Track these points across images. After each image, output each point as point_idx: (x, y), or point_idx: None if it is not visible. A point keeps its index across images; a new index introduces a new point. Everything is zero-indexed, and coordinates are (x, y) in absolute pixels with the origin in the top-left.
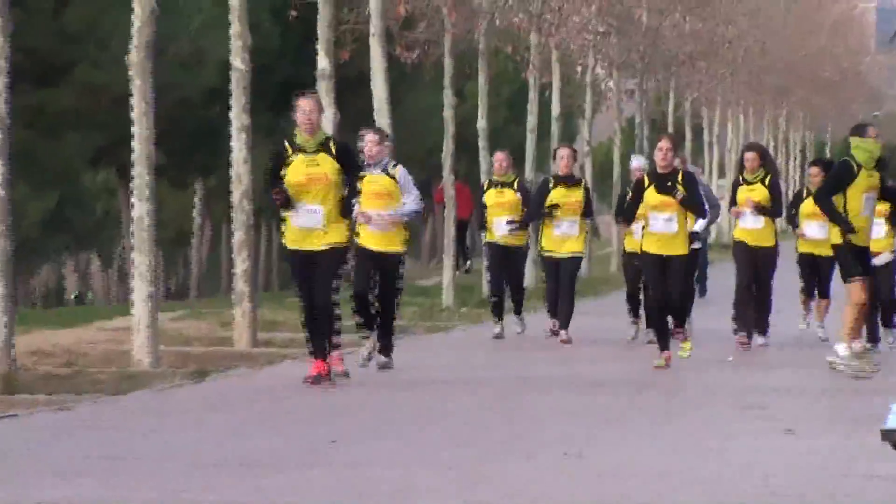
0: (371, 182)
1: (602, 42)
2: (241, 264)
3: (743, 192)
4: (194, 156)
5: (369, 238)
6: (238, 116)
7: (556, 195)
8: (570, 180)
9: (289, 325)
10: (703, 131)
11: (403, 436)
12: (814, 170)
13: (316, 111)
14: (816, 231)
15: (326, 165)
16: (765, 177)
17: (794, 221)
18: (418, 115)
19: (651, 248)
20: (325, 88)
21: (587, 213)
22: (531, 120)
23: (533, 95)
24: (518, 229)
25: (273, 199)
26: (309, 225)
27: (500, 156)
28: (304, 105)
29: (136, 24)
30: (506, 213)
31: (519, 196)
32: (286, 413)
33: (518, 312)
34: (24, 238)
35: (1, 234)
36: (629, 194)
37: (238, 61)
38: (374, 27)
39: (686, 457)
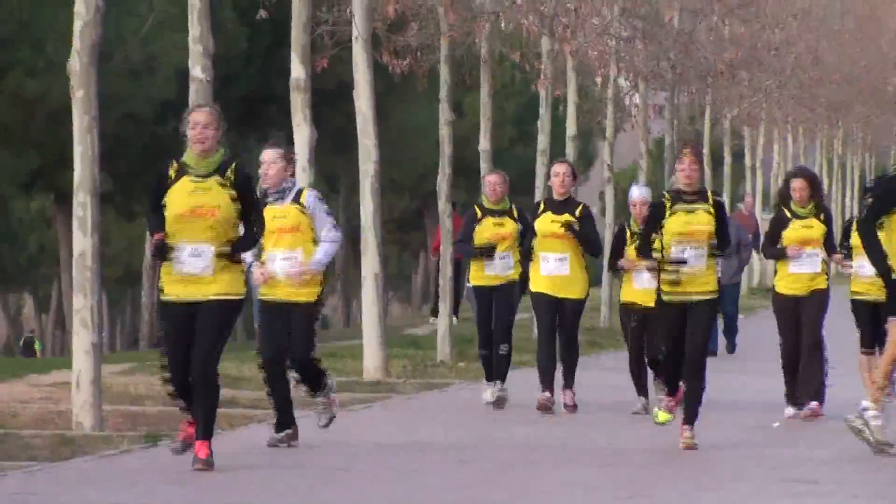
0: (273, 215)
1: (626, 49)
2: None
3: (795, 230)
4: (145, 180)
5: (271, 285)
6: None
7: (541, 223)
8: (562, 205)
9: (254, 383)
10: (745, 154)
11: None
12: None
13: (213, 125)
14: (868, 269)
15: (219, 195)
16: (818, 210)
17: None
18: (409, 132)
19: (675, 287)
20: (299, 101)
21: (588, 244)
22: (542, 140)
23: (544, 111)
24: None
25: (152, 244)
26: (194, 270)
27: (494, 178)
28: (197, 116)
29: (78, 24)
30: (503, 249)
31: (520, 226)
32: (252, 485)
33: (501, 374)
34: None
35: None
36: (630, 233)
37: (198, 69)
38: (358, 30)
39: None
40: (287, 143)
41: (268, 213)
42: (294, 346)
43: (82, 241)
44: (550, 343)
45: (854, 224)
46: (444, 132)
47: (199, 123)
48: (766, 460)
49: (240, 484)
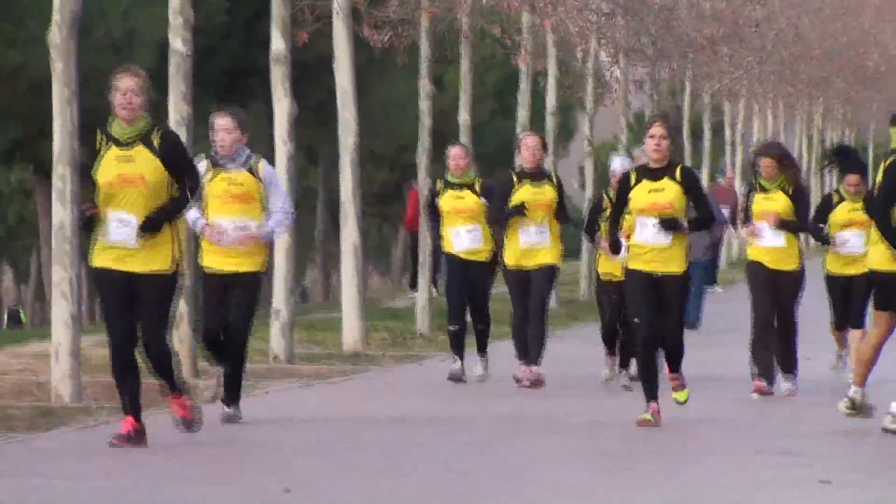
0: (227, 181)
1: (607, 23)
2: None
3: (759, 203)
4: None
5: (215, 256)
6: (177, 107)
7: (523, 194)
8: (538, 175)
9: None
10: (725, 129)
11: (370, 485)
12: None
13: (138, 92)
14: (853, 244)
15: (144, 163)
16: (786, 184)
17: (820, 235)
18: (389, 106)
19: (638, 264)
20: (280, 75)
21: (561, 215)
22: (522, 114)
23: (525, 85)
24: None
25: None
26: (120, 239)
27: (456, 151)
28: (123, 83)
29: None
30: (466, 222)
31: (483, 201)
32: (233, 456)
33: (481, 349)
34: None
35: None
36: (608, 202)
37: (178, 42)
38: (339, 4)
39: None
40: (237, 107)
41: (220, 179)
42: (232, 318)
43: (61, 213)
44: (525, 319)
45: (832, 199)
46: (424, 106)
47: (125, 90)
48: (746, 433)
49: (220, 456)
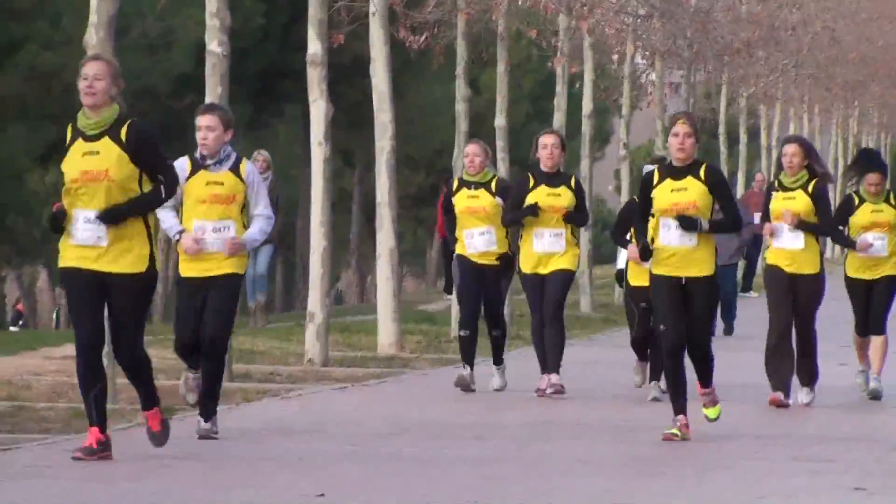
0: (208, 181)
1: (643, 26)
2: None
3: (778, 202)
4: (160, 154)
5: (193, 262)
6: None
7: (537, 196)
8: (555, 178)
9: (270, 356)
10: (761, 133)
11: (404, 490)
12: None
13: (105, 78)
14: (877, 248)
15: (109, 157)
16: (807, 182)
17: (842, 237)
18: (425, 109)
19: (663, 268)
20: (316, 77)
21: (576, 220)
22: (558, 117)
23: (561, 88)
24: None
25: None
26: (86, 237)
27: (473, 148)
28: (87, 68)
29: None
30: (480, 223)
31: (499, 201)
32: (266, 460)
33: (497, 359)
34: None
35: None
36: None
37: (214, 44)
38: (375, 5)
39: None
40: (224, 105)
41: (201, 178)
42: (208, 326)
43: None
44: (543, 327)
45: (853, 201)
46: (461, 108)
47: (89, 75)
48: (779, 439)
49: (254, 460)
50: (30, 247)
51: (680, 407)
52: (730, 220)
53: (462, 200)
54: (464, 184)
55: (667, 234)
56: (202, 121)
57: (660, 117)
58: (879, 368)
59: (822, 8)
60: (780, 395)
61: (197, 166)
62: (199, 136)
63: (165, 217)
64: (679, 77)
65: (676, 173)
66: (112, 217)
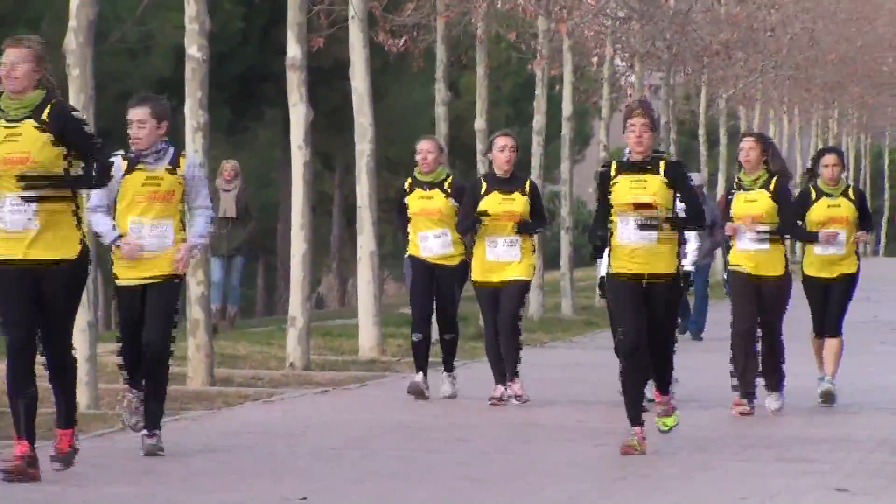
0: (145, 179)
1: (622, 28)
2: (196, 287)
3: (740, 204)
4: None
5: (130, 266)
6: (194, 113)
7: (488, 203)
8: (509, 183)
9: (252, 360)
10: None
11: (386, 492)
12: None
13: (27, 62)
14: (832, 243)
15: (31, 140)
16: (768, 180)
17: (803, 232)
18: (405, 112)
19: (622, 267)
20: (295, 80)
21: (531, 226)
22: (538, 119)
23: (540, 91)
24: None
25: None
26: (16, 222)
27: (426, 145)
28: (8, 52)
29: (74, 3)
30: (434, 226)
31: (453, 201)
32: (248, 464)
33: (448, 364)
34: None
35: None
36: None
37: (194, 49)
38: (354, 9)
39: None
40: (157, 98)
41: (138, 176)
42: (148, 331)
43: None
44: (497, 338)
45: (810, 194)
46: (440, 112)
47: (9, 60)
48: (761, 440)
49: (236, 464)
50: None
51: (636, 417)
52: (693, 213)
53: (416, 202)
54: (417, 184)
55: (625, 231)
56: (132, 116)
57: None
58: (833, 371)
59: (801, 9)
60: (744, 402)
61: (133, 163)
62: (130, 132)
63: (99, 221)
64: (658, 79)
65: (634, 168)
66: (31, 180)
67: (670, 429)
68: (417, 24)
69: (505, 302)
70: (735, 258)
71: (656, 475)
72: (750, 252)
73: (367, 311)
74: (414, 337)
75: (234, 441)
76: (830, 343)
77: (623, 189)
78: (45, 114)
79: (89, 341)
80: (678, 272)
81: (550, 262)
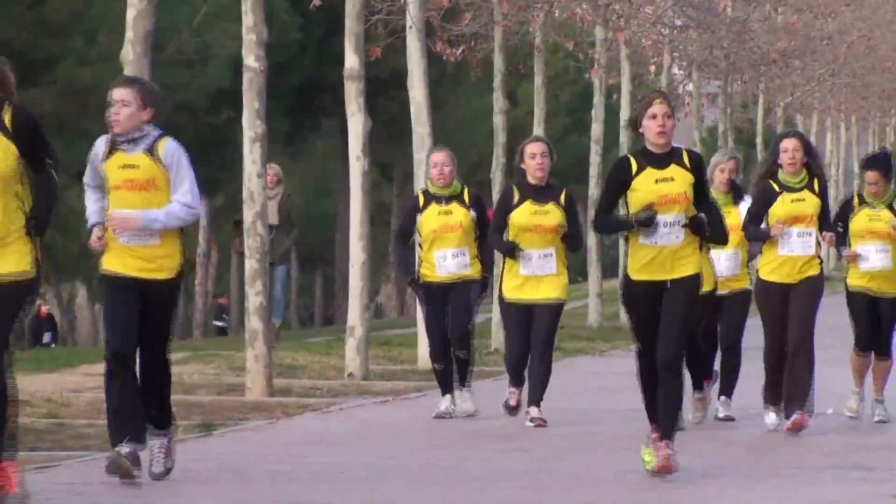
0: (123, 165)
1: (679, 37)
2: (254, 298)
3: (786, 205)
4: (199, 169)
5: (122, 260)
6: (251, 124)
7: (521, 216)
8: (543, 193)
9: (310, 371)
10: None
11: (445, 500)
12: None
13: None
14: (875, 257)
15: None
16: (810, 181)
17: (841, 240)
18: (463, 121)
19: (643, 274)
20: (353, 90)
21: (570, 242)
22: (596, 128)
23: (598, 100)
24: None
25: None
26: None
27: (440, 157)
28: None
29: (131, 13)
30: (454, 244)
31: (473, 213)
32: (308, 474)
33: (464, 380)
34: None
35: None
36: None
37: (251, 59)
38: (412, 19)
39: None
40: (144, 80)
41: (115, 161)
42: (144, 339)
43: None
44: (521, 363)
45: (853, 203)
46: (498, 121)
47: None
48: (819, 447)
49: (295, 473)
50: (68, 263)
51: (667, 432)
52: (712, 211)
53: (433, 218)
54: (432, 198)
55: (650, 232)
56: (115, 94)
57: (697, 128)
58: (882, 390)
59: (858, 17)
60: (779, 418)
61: (113, 149)
62: (110, 112)
63: (88, 202)
64: (716, 87)
65: (658, 161)
66: (43, 227)
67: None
68: (475, 33)
69: (539, 324)
70: (767, 273)
71: (716, 484)
72: (795, 256)
73: None
74: (436, 366)
75: (292, 451)
76: (879, 366)
77: (648, 184)
78: (9, 118)
79: None
80: (700, 273)
81: (609, 270)
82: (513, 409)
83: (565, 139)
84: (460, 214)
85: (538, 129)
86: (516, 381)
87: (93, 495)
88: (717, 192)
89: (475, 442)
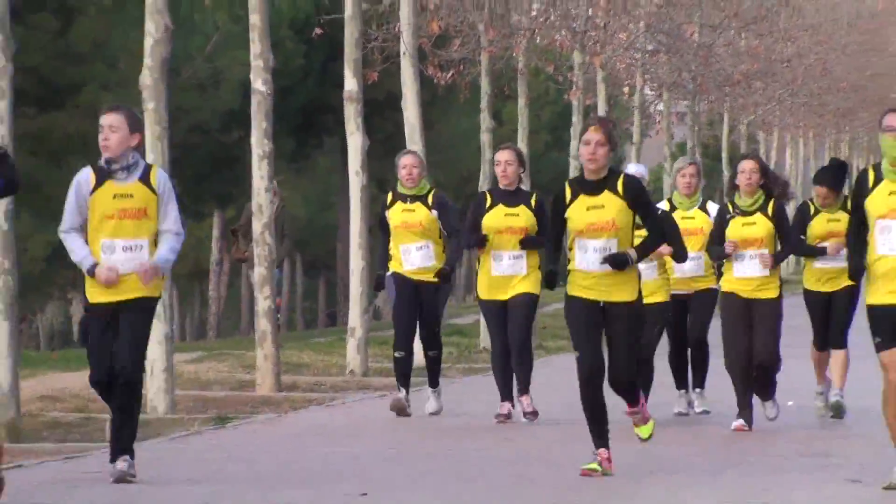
0: (116, 193)
1: (651, 61)
2: (263, 301)
3: (737, 228)
4: (211, 185)
5: (101, 287)
6: (259, 143)
7: (493, 218)
8: (513, 197)
9: (314, 368)
10: (760, 156)
11: (442, 489)
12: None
13: None
14: (833, 256)
15: None
16: (765, 202)
17: (809, 249)
18: (453, 139)
19: (580, 291)
20: (352, 111)
21: (536, 241)
22: (574, 145)
23: (576, 119)
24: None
25: None
26: None
27: (410, 159)
28: None
29: (149, 42)
30: (416, 238)
31: (434, 214)
32: (313, 463)
33: (433, 381)
34: (28, 274)
35: (4, 271)
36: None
37: (259, 83)
38: (406, 45)
39: None
40: (129, 107)
41: (107, 191)
42: (120, 357)
43: None
44: (505, 354)
45: (809, 209)
46: (485, 139)
47: None
48: (780, 435)
49: (302, 463)
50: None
51: (602, 440)
52: (656, 234)
53: (397, 215)
54: (399, 197)
55: (583, 258)
56: (105, 119)
57: (667, 144)
58: (842, 384)
59: (815, 42)
60: (743, 424)
61: (102, 176)
62: (100, 137)
63: (73, 246)
64: (684, 107)
65: (591, 188)
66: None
67: (648, 437)
68: (464, 58)
69: (514, 317)
70: (728, 284)
71: (686, 472)
72: (748, 278)
73: None
74: (396, 354)
75: (298, 442)
76: (837, 356)
77: (580, 212)
78: None
79: (166, 352)
80: (639, 299)
81: None
82: (505, 417)
83: (547, 155)
84: (421, 214)
85: (521, 146)
86: (506, 394)
87: (113, 483)
88: (680, 196)
89: (468, 433)
